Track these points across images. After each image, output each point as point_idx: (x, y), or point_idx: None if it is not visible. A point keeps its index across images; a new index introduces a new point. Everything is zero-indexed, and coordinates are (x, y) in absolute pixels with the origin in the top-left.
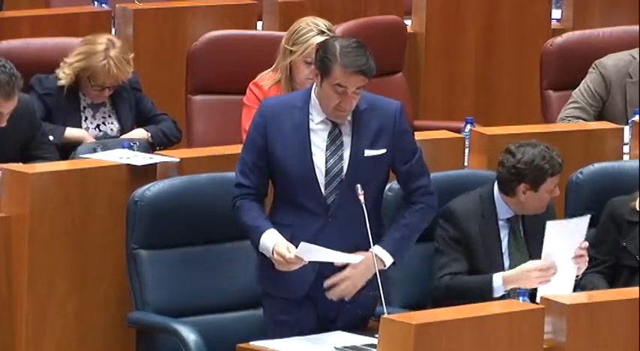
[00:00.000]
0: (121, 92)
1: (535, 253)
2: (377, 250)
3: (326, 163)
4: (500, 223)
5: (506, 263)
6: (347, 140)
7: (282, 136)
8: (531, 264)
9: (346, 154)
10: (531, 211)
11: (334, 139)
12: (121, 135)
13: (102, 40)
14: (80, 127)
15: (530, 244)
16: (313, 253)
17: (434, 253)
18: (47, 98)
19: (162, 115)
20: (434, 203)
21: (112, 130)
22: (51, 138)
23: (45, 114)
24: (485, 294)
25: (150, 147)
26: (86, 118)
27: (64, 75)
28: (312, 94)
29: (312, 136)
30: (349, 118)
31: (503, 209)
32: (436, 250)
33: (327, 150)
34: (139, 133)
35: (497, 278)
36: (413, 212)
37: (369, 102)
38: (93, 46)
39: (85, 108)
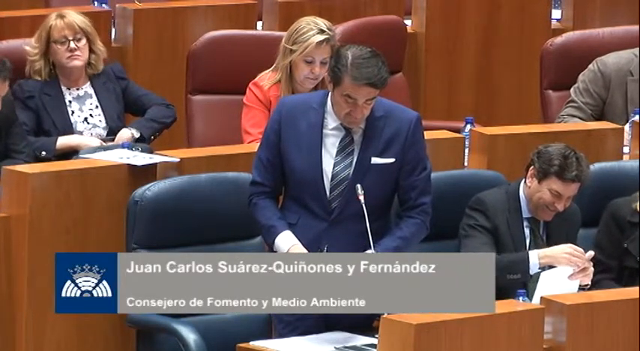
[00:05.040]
0: (105, 83)
1: None
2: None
3: (333, 168)
4: (524, 222)
5: None
6: (357, 147)
7: (296, 137)
8: (566, 245)
9: (354, 161)
10: (534, 208)
11: (345, 146)
12: (108, 126)
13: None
14: (69, 121)
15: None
16: None
17: (460, 241)
18: (30, 101)
19: (149, 97)
20: (428, 224)
21: (100, 121)
22: (43, 153)
23: (33, 119)
24: (524, 269)
25: (145, 140)
26: (73, 112)
27: (32, 57)
28: (329, 98)
29: (324, 140)
30: (362, 125)
31: (526, 208)
32: (464, 236)
33: (336, 155)
34: (124, 135)
35: (534, 255)
36: (410, 225)
37: (386, 110)
38: (45, 20)
39: (70, 102)
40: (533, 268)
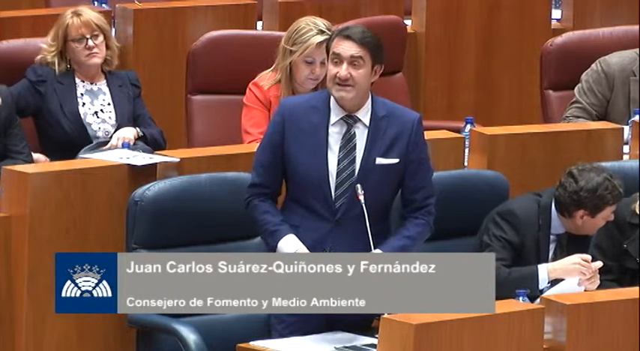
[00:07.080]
0: (121, 86)
1: None
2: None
3: (338, 165)
4: (551, 237)
5: None
6: (361, 145)
7: (299, 137)
8: (575, 256)
9: (358, 158)
10: (583, 233)
11: (347, 141)
12: (117, 123)
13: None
14: (78, 111)
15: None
16: None
17: (480, 242)
18: (40, 86)
19: (151, 122)
20: (432, 224)
21: (110, 118)
22: None
23: (34, 103)
24: (532, 285)
25: (147, 140)
26: (84, 104)
27: (47, 54)
28: (331, 98)
29: (328, 139)
30: (367, 123)
31: (556, 225)
32: (486, 245)
33: (339, 152)
34: (128, 133)
35: (543, 269)
36: (415, 225)
37: (389, 110)
38: (60, 18)
39: (82, 94)
40: (542, 283)
